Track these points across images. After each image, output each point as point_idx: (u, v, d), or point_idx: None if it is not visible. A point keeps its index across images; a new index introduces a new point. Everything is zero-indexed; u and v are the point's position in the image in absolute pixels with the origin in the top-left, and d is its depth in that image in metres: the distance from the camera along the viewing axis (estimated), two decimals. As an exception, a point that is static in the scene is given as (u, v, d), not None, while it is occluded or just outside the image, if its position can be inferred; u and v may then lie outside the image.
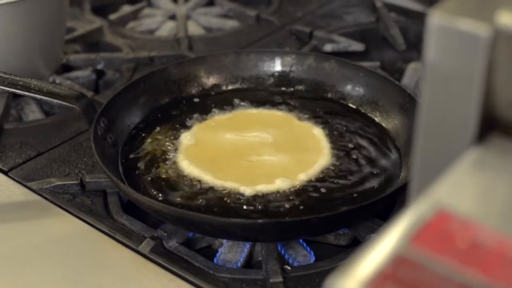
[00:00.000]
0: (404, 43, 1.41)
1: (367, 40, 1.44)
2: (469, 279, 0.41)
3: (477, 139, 0.51)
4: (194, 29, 1.53)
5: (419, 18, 1.48)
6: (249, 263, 0.93)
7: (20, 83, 1.00)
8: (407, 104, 1.06)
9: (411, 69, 1.34)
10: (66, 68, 1.37)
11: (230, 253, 0.92)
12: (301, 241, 0.94)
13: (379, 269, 0.42)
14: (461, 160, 0.50)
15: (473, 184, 0.49)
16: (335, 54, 1.34)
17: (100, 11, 1.60)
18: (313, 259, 0.92)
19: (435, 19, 0.50)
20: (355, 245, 0.95)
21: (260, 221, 0.87)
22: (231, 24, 1.56)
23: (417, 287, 0.41)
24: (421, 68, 1.33)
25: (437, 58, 0.51)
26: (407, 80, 1.30)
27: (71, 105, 1.00)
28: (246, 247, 0.93)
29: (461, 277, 0.41)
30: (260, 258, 0.92)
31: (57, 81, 1.28)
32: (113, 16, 1.54)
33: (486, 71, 0.49)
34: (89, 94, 1.23)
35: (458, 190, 0.48)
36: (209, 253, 0.94)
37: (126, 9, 1.61)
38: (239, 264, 0.91)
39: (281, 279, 0.84)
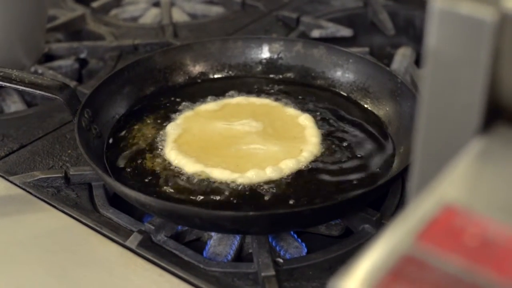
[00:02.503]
0: (393, 28, 1.39)
1: (355, 25, 1.42)
2: (480, 278, 0.39)
3: (482, 129, 0.49)
4: (178, 15, 1.51)
5: (407, 2, 1.45)
6: (240, 255, 0.91)
7: (1, 74, 0.98)
8: (399, 90, 1.04)
9: (400, 54, 1.32)
10: (48, 57, 1.34)
11: (220, 245, 0.90)
12: (292, 232, 0.92)
13: (385, 269, 0.39)
14: (465, 151, 0.48)
15: (479, 176, 0.46)
16: (323, 40, 1.32)
17: (82, -2, 1.57)
18: (305, 250, 0.90)
19: (438, 3, 0.47)
20: (347, 235, 0.92)
21: (251, 213, 0.85)
22: (216, 10, 1.53)
23: (426, 286, 0.38)
24: (411, 53, 1.31)
25: (439, 45, 0.48)
26: (396, 65, 1.28)
27: (54, 96, 0.97)
28: (236, 240, 0.90)
29: (472, 277, 0.39)
30: (250, 250, 0.90)
31: (39, 71, 1.25)
32: (95, 4, 1.52)
33: (491, 58, 0.47)
34: (72, 84, 1.20)
35: (464, 183, 0.45)
36: (198, 245, 0.92)
37: (109, -4, 1.58)
38: (229, 257, 0.89)
39: (273, 273, 0.82)
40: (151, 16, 1.52)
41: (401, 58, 1.30)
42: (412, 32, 1.42)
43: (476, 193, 0.45)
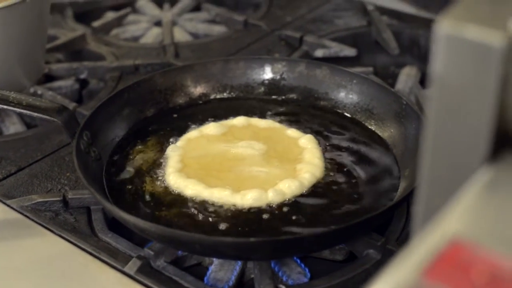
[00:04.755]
0: (397, 47, 1.37)
1: (359, 44, 1.40)
2: (490, 319, 0.37)
3: (489, 157, 0.47)
4: (180, 35, 1.49)
5: (412, 21, 1.44)
6: (241, 281, 0.89)
7: (-2, 96, 0.96)
8: (403, 112, 1.02)
9: (405, 74, 1.30)
10: (48, 77, 1.32)
11: (221, 271, 0.88)
12: (295, 257, 0.90)
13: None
14: (473, 181, 0.46)
15: (487, 208, 0.44)
16: (326, 59, 1.30)
17: (83, 18, 1.55)
18: (308, 276, 0.88)
19: (443, 27, 0.46)
20: (351, 260, 0.90)
21: (252, 239, 0.83)
22: (218, 29, 1.52)
23: (433, 330, 0.36)
24: (415, 73, 1.30)
25: (445, 70, 0.47)
26: (401, 85, 1.26)
27: (52, 118, 0.95)
28: (237, 265, 0.88)
29: (481, 317, 0.37)
30: (252, 276, 0.88)
31: (39, 91, 1.24)
32: (96, 23, 1.50)
33: (499, 84, 0.45)
34: (72, 105, 1.18)
35: (471, 216, 0.44)
36: (199, 270, 0.89)
37: (110, 15, 1.57)
38: (230, 283, 0.87)
39: (275, 300, 0.80)
40: (152, 35, 1.50)
41: (406, 78, 1.28)
42: (416, 52, 1.40)
43: (484, 226, 0.43)
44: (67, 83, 1.30)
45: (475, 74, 0.46)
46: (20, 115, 1.21)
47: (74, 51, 1.41)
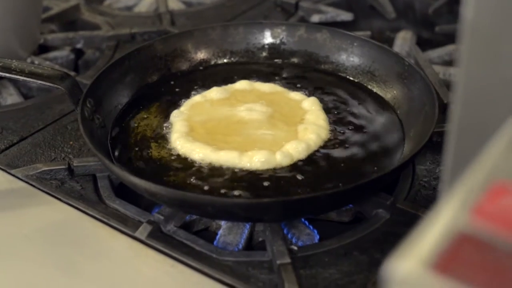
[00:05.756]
0: (393, 11, 1.37)
1: (354, 9, 1.40)
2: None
3: (521, 104, 0.47)
4: (174, 4, 1.48)
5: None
6: (250, 244, 0.89)
7: (0, 64, 0.95)
8: (406, 73, 1.02)
9: (401, 38, 1.30)
10: (43, 48, 1.31)
11: (230, 235, 0.88)
12: (303, 219, 0.90)
13: (441, 248, 0.37)
14: (506, 128, 0.46)
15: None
16: (323, 24, 1.30)
17: (75, -11, 1.54)
18: (317, 237, 0.88)
19: (476, -27, 0.46)
20: (358, 221, 0.91)
21: (265, 200, 0.83)
22: (212, -3, 1.51)
23: (485, 268, 0.36)
24: (411, 36, 1.30)
25: (477, 17, 0.46)
26: (397, 49, 1.26)
27: (55, 85, 0.94)
28: (246, 228, 0.88)
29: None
30: (261, 239, 0.88)
31: (36, 62, 1.23)
32: (89, -7, 1.48)
33: (532, 29, 0.45)
34: (71, 74, 1.17)
35: (509, 159, 0.44)
36: (207, 235, 0.89)
37: (102, -15, 1.56)
38: (240, 246, 0.87)
39: (289, 260, 0.80)
40: (146, 5, 1.49)
41: (402, 42, 1.29)
42: (411, 16, 1.40)
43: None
44: (62, 53, 1.29)
45: (506, 20, 0.46)
46: (17, 86, 1.20)
47: (68, 21, 1.40)
